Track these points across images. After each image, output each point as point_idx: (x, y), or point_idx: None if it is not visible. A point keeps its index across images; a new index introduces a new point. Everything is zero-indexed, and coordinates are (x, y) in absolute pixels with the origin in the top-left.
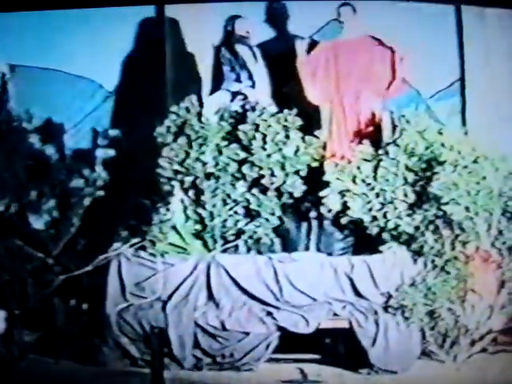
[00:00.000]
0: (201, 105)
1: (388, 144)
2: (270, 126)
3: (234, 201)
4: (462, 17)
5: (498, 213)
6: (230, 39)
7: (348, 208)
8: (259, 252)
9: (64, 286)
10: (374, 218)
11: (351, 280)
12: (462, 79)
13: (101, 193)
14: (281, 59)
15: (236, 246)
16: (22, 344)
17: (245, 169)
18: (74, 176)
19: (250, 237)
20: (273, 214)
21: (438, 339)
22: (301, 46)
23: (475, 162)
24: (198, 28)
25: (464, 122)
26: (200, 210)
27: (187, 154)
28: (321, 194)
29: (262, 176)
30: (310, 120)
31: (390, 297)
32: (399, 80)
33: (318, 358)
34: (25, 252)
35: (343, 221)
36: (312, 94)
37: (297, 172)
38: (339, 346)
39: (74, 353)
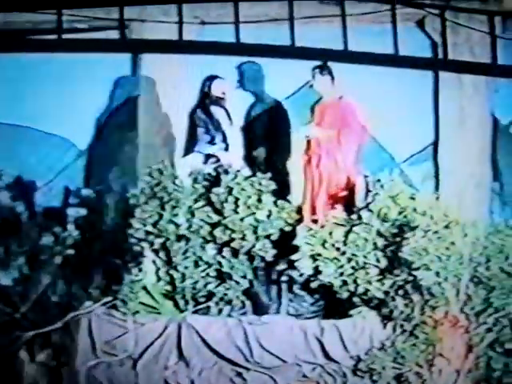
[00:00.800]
0: (173, 166)
1: (361, 209)
2: (243, 189)
3: (206, 263)
4: (438, 81)
5: (467, 278)
6: (205, 100)
7: (319, 272)
8: (230, 314)
9: (32, 342)
10: (345, 283)
11: (321, 343)
12: (435, 143)
13: (71, 251)
14: (255, 122)
15: (207, 308)
16: None
17: (217, 232)
18: (45, 234)
19: (221, 299)
20: (244, 277)
21: None
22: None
23: (447, 227)
24: (173, 88)
25: (437, 187)
26: (172, 272)
27: (160, 216)
28: (292, 257)
29: (233, 239)
30: (283, 184)
31: (359, 360)
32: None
33: None
34: None
35: (314, 285)
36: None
37: (268, 236)
38: None
39: None
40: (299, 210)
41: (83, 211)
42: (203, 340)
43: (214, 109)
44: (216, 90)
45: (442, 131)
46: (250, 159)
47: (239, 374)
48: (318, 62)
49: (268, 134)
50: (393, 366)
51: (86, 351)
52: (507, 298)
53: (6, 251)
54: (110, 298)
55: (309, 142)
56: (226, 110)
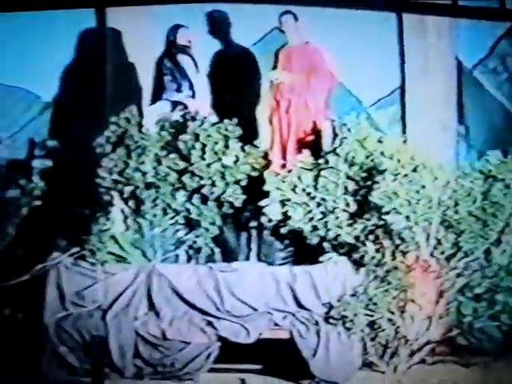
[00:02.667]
0: (141, 115)
1: (328, 153)
2: (209, 135)
3: (174, 210)
4: (402, 24)
5: (437, 222)
6: (171, 49)
7: (289, 218)
8: (200, 262)
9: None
10: (315, 228)
11: (293, 290)
12: (402, 87)
13: (38, 202)
14: (222, 69)
15: (176, 256)
16: None
17: (185, 178)
18: (10, 186)
19: (190, 246)
20: (213, 224)
21: (378, 350)
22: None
23: (414, 170)
24: (139, 38)
25: (404, 131)
26: (140, 220)
27: (126, 164)
28: (261, 203)
29: (202, 186)
30: (250, 130)
31: (331, 307)
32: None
33: (260, 369)
34: None
35: (283, 230)
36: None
37: (237, 182)
38: (281, 357)
39: (11, 363)
40: (266, 156)
41: (49, 162)
42: (173, 289)
43: (181, 57)
44: (181, 38)
45: (407, 75)
46: (217, 106)
47: (210, 324)
48: (283, 7)
49: (235, 80)
50: (365, 312)
51: (54, 303)
52: (476, 241)
53: None
54: (78, 249)
55: (277, 86)
56: (193, 58)
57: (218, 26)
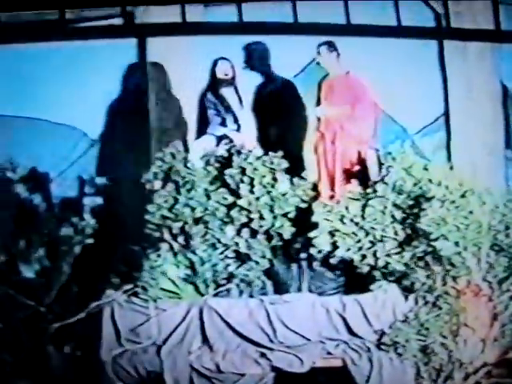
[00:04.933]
0: (186, 150)
1: (376, 182)
2: (256, 169)
3: (224, 245)
4: (443, 51)
5: (487, 246)
6: (215, 82)
7: (338, 248)
8: (251, 295)
9: (58, 333)
10: (364, 257)
11: (344, 319)
12: (446, 114)
13: (90, 240)
14: (266, 101)
15: (228, 290)
16: None
17: (233, 213)
18: (63, 224)
19: (242, 280)
20: (263, 257)
21: (432, 374)
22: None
23: (463, 196)
24: (182, 72)
25: (449, 157)
26: (190, 255)
27: (176, 200)
28: (310, 234)
29: (251, 219)
30: (296, 162)
31: (382, 334)
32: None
33: None
34: (16, 300)
35: (333, 261)
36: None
37: (285, 214)
38: None
39: None
40: (314, 187)
41: (99, 200)
42: (226, 322)
43: (224, 90)
44: (219, 71)
45: (451, 101)
46: (262, 139)
47: (263, 355)
48: (321, 38)
49: (279, 112)
50: (417, 338)
51: (110, 340)
52: None
53: (27, 244)
54: (130, 286)
55: (320, 118)
56: (237, 91)
57: (258, 57)
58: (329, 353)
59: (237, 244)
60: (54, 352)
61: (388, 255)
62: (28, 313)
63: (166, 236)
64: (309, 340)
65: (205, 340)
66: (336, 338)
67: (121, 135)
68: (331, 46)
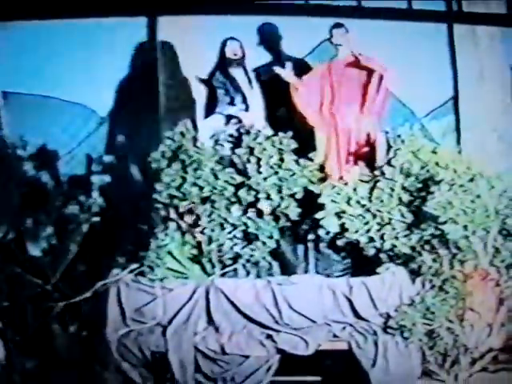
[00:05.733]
0: (195, 129)
1: (384, 164)
2: (264, 149)
3: (232, 225)
4: (453, 34)
5: (495, 231)
6: (224, 62)
7: (345, 230)
8: (258, 275)
9: (63, 312)
10: (371, 239)
11: (350, 301)
12: (455, 97)
13: (97, 219)
14: (275, 82)
15: (235, 270)
16: (23, 371)
17: (241, 193)
18: (70, 202)
19: (248, 260)
20: (271, 238)
21: (438, 359)
22: (293, 70)
23: (471, 180)
24: (191, 51)
25: (458, 141)
26: (197, 235)
27: (184, 179)
28: (317, 216)
29: (258, 199)
30: (305, 143)
31: (388, 317)
32: (385, 98)
33: (319, 380)
34: (24, 279)
35: (340, 242)
36: (307, 117)
37: (292, 195)
38: (340, 368)
39: (75, 379)
40: (322, 168)
41: (107, 178)
42: (232, 303)
43: (233, 70)
44: (229, 51)
45: (461, 85)
46: (271, 119)
47: (269, 337)
48: (332, 20)
49: (288, 92)
50: (423, 322)
51: (115, 320)
52: None
53: (35, 222)
54: (137, 265)
55: (331, 99)
56: (246, 71)
57: (269, 37)
58: (335, 335)
59: (245, 224)
60: (60, 331)
61: (395, 238)
62: (34, 291)
63: (173, 215)
64: (315, 322)
65: (210, 321)
66: (342, 320)
67: (130, 114)
68: (343, 28)
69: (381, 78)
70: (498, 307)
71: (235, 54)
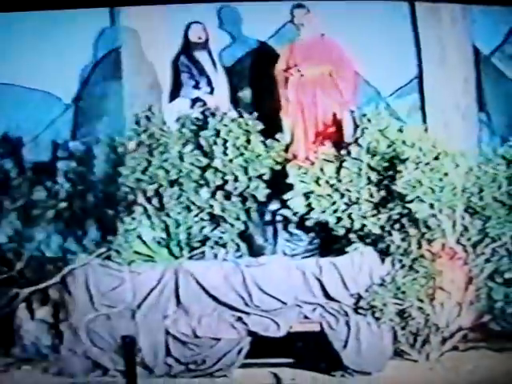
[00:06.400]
0: (161, 113)
1: (350, 144)
2: (230, 131)
3: (199, 207)
4: (416, 13)
5: (461, 209)
6: (188, 46)
7: (313, 210)
8: (226, 258)
9: (30, 298)
10: (340, 219)
11: (320, 282)
12: (419, 76)
13: (64, 204)
14: (238, 64)
15: (202, 253)
16: None
17: (208, 175)
18: (36, 189)
19: (216, 243)
20: (238, 219)
21: (409, 339)
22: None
23: (436, 158)
24: (155, 36)
25: (424, 119)
26: (165, 218)
27: (149, 163)
28: (285, 196)
29: (226, 181)
30: (271, 124)
31: (359, 298)
32: (352, 81)
33: (292, 362)
34: None
35: (308, 223)
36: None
37: (260, 176)
38: (312, 350)
39: (43, 365)
40: (288, 149)
41: (73, 164)
42: (201, 286)
43: (197, 54)
44: (193, 35)
45: (424, 64)
46: (236, 101)
47: (239, 319)
48: (294, 1)
49: (253, 74)
50: (394, 301)
51: (84, 305)
52: (503, 227)
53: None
54: (104, 249)
55: (296, 80)
56: (210, 55)
57: (230, 20)
58: (306, 317)
59: (211, 206)
60: (27, 318)
61: (364, 217)
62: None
63: (141, 199)
64: (285, 304)
65: (180, 304)
66: (313, 301)
67: (95, 99)
68: (305, 8)
69: (345, 56)
70: (466, 286)
71: (199, 38)
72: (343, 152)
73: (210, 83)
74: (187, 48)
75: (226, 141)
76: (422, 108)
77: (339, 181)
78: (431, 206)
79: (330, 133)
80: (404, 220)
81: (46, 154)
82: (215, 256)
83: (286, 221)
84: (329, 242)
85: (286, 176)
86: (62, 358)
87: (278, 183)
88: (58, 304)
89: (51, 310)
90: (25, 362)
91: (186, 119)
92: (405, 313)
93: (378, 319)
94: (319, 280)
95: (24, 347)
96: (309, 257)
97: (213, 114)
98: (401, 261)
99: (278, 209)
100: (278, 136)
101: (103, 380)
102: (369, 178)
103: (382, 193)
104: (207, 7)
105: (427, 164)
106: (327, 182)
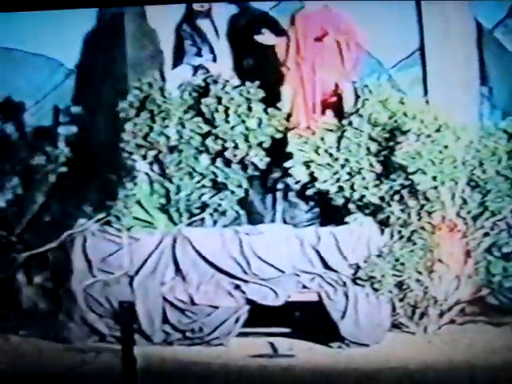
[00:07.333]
0: (163, 79)
1: (351, 114)
2: (232, 98)
3: (201, 174)
4: None
5: (463, 182)
6: (191, 14)
7: (315, 179)
8: (225, 225)
9: (28, 263)
10: (341, 189)
11: (318, 252)
12: (421, 48)
13: (64, 169)
14: (241, 32)
15: (202, 220)
16: None
17: (208, 141)
18: (36, 153)
19: (215, 210)
20: (239, 187)
21: (407, 311)
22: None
23: (438, 130)
24: (158, 3)
25: (426, 92)
26: (166, 184)
27: (150, 129)
28: (285, 165)
29: (226, 148)
30: (273, 92)
31: (358, 268)
32: (356, 52)
33: (289, 332)
34: None
35: (309, 192)
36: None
37: (260, 144)
38: (309, 320)
39: (40, 330)
40: (289, 117)
41: (74, 129)
42: (198, 253)
43: (200, 22)
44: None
45: (427, 37)
46: (239, 69)
47: (238, 287)
48: None
49: (256, 42)
50: (392, 273)
51: (81, 270)
52: (503, 201)
53: (1, 172)
54: (103, 215)
55: (299, 49)
56: (213, 22)
57: None
58: (304, 286)
59: (214, 173)
60: (25, 283)
61: (365, 187)
62: None
63: (141, 164)
64: (283, 272)
65: (178, 270)
66: (311, 271)
67: (97, 65)
68: None
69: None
70: (465, 259)
71: (202, 6)
72: (344, 122)
73: (212, 51)
74: (190, 16)
75: (227, 108)
76: (424, 81)
77: (339, 150)
78: (434, 178)
79: (330, 102)
80: (404, 192)
81: (47, 119)
82: (214, 223)
83: (287, 189)
84: (328, 212)
85: (287, 145)
86: (59, 324)
87: (279, 151)
88: (56, 269)
89: (49, 275)
90: (22, 327)
91: (188, 86)
92: (403, 285)
93: (376, 290)
94: (317, 249)
95: (21, 312)
96: (307, 226)
97: (215, 82)
98: (400, 232)
99: (280, 177)
100: (279, 104)
101: (100, 345)
102: (368, 149)
103: (383, 164)
104: None
105: (428, 136)
106: (327, 151)
